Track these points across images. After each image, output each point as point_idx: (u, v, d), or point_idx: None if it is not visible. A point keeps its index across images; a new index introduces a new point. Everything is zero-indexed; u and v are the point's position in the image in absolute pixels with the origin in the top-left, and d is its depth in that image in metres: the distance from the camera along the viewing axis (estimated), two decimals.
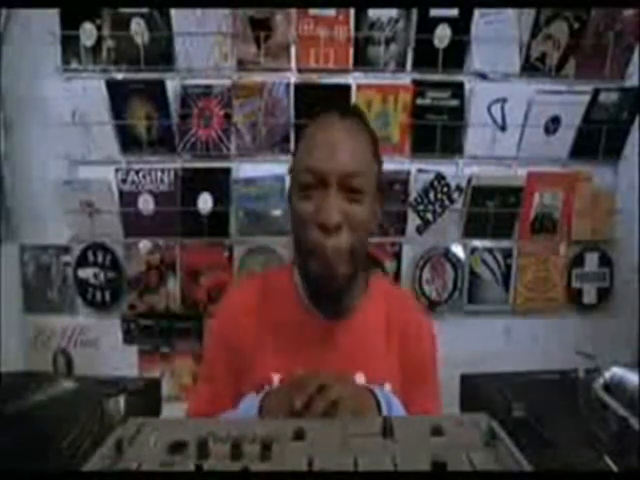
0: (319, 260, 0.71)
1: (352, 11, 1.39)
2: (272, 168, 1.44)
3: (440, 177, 1.46)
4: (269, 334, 0.81)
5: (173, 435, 0.53)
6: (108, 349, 1.52)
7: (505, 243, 1.52)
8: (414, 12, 1.39)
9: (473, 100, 1.43)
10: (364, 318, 0.83)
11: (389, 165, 1.45)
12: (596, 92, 1.43)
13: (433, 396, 0.88)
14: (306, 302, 0.81)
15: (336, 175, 0.69)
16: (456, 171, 1.47)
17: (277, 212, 1.45)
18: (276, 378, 0.78)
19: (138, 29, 1.38)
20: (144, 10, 1.37)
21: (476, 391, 0.79)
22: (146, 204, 1.46)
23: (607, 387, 0.65)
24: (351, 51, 1.40)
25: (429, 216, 1.48)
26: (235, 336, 0.83)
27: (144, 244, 1.47)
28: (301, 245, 0.74)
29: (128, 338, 1.52)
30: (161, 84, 1.40)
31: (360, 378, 0.78)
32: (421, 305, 0.97)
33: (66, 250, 1.49)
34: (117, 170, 1.45)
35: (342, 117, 0.74)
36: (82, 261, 1.49)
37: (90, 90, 1.40)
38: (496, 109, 1.43)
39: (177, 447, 0.51)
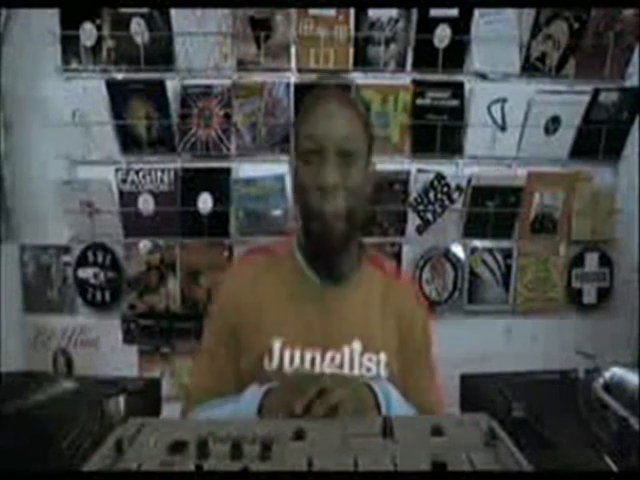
0: (319, 221, 0.77)
1: (352, 11, 1.39)
2: (272, 168, 1.44)
3: (440, 177, 1.46)
4: (268, 304, 0.84)
5: (173, 435, 0.53)
6: (108, 349, 1.52)
7: (505, 243, 1.52)
8: (414, 12, 1.39)
9: (473, 100, 1.43)
10: (361, 287, 0.87)
11: (389, 165, 1.45)
12: (596, 92, 1.43)
13: (430, 377, 0.91)
14: (305, 269, 0.86)
15: (332, 140, 0.76)
16: (456, 171, 1.47)
17: (277, 212, 1.45)
18: (277, 345, 0.80)
19: (138, 29, 1.38)
20: (144, 10, 1.37)
21: (476, 391, 0.79)
22: (146, 204, 1.46)
23: (607, 387, 0.65)
24: (351, 51, 1.40)
25: (429, 216, 1.48)
26: (234, 307, 0.85)
27: (144, 244, 1.47)
28: (303, 211, 0.81)
29: (128, 338, 1.52)
30: (161, 84, 1.40)
31: (357, 345, 0.81)
32: (414, 285, 1.05)
33: (66, 250, 1.49)
34: (117, 170, 1.45)
35: (336, 90, 0.86)
36: (82, 261, 1.49)
37: (90, 90, 1.40)
38: (496, 109, 1.43)
39: (177, 447, 0.51)
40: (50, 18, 1.38)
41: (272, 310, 0.84)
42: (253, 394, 0.73)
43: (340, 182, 0.77)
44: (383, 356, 0.82)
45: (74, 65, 1.41)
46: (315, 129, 0.78)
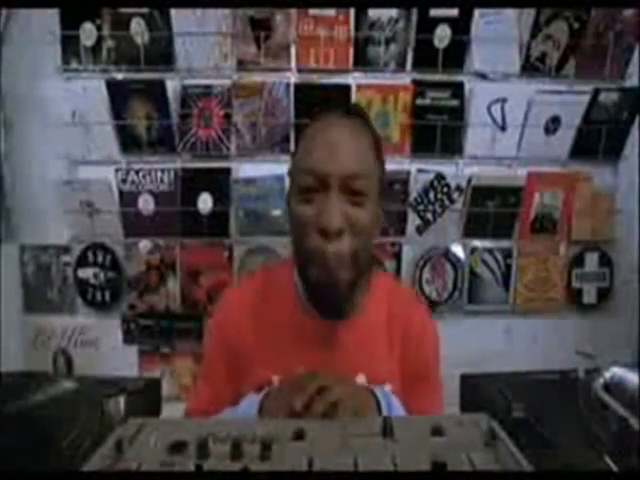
0: (320, 266, 0.68)
1: (352, 11, 1.39)
2: (272, 168, 1.44)
3: (440, 177, 1.46)
4: (268, 334, 0.81)
5: (173, 435, 0.53)
6: (108, 349, 1.52)
7: (505, 243, 1.52)
8: (414, 12, 1.39)
9: (473, 100, 1.43)
10: (365, 318, 0.81)
11: (389, 165, 1.44)
12: (596, 92, 1.43)
13: (435, 396, 0.87)
14: (305, 302, 0.80)
15: (337, 177, 0.67)
16: (456, 171, 1.47)
17: (277, 212, 1.45)
18: (276, 379, 0.78)
19: (138, 29, 1.38)
20: (144, 10, 1.37)
21: (476, 391, 0.79)
22: (146, 204, 1.46)
23: (607, 387, 0.65)
24: (351, 51, 1.40)
25: (429, 216, 1.48)
26: (234, 336, 0.82)
27: (144, 244, 1.47)
28: (301, 250, 0.71)
29: (128, 338, 1.52)
30: (161, 84, 1.40)
31: (361, 379, 0.78)
32: (424, 304, 0.96)
33: (66, 250, 1.49)
34: (117, 170, 1.45)
35: (343, 117, 0.73)
36: (82, 261, 1.49)
37: (90, 90, 1.40)
38: (496, 109, 1.43)
39: (177, 447, 0.51)
40: (50, 18, 1.38)
41: (272, 341, 0.80)
42: (251, 399, 0.72)
43: (346, 224, 0.67)
44: (388, 386, 0.78)
45: (74, 65, 1.41)
46: (317, 163, 0.67)
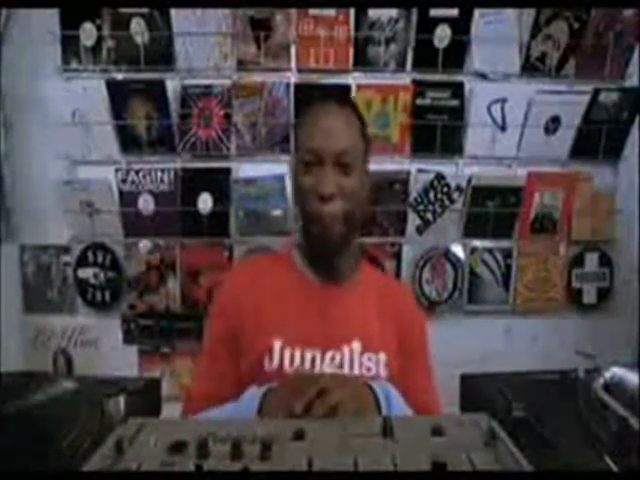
0: (318, 224, 0.82)
1: (352, 11, 1.39)
2: (272, 168, 1.44)
3: (440, 177, 1.46)
4: (268, 302, 0.86)
5: (173, 435, 0.53)
6: (108, 349, 1.52)
7: (505, 243, 1.52)
8: (414, 12, 1.39)
9: (473, 100, 1.43)
10: (359, 286, 0.90)
11: (389, 165, 1.45)
12: (596, 92, 1.43)
13: (427, 378, 0.92)
14: (304, 269, 0.90)
15: (331, 153, 0.82)
16: (456, 171, 1.47)
17: (277, 212, 1.45)
18: (277, 345, 0.81)
19: (138, 29, 1.38)
20: (144, 10, 1.37)
21: (476, 391, 0.79)
22: (146, 204, 1.46)
23: (607, 387, 0.65)
24: (351, 51, 1.40)
25: (429, 216, 1.48)
26: (235, 314, 0.86)
27: (144, 244, 1.47)
28: (303, 213, 0.86)
29: (128, 338, 1.52)
30: (161, 84, 1.40)
31: (356, 344, 0.83)
32: (412, 293, 1.10)
33: (66, 250, 1.49)
34: (117, 170, 1.45)
35: (337, 105, 0.87)
36: (82, 261, 1.49)
37: (90, 90, 1.40)
38: (496, 109, 1.43)
39: (177, 447, 0.51)
40: (50, 18, 1.38)
41: (271, 310, 0.85)
42: (253, 395, 0.73)
43: (338, 190, 0.82)
44: (382, 356, 0.84)
45: (74, 65, 1.41)
46: (314, 143, 0.83)
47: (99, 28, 1.39)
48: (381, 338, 0.86)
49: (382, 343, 0.86)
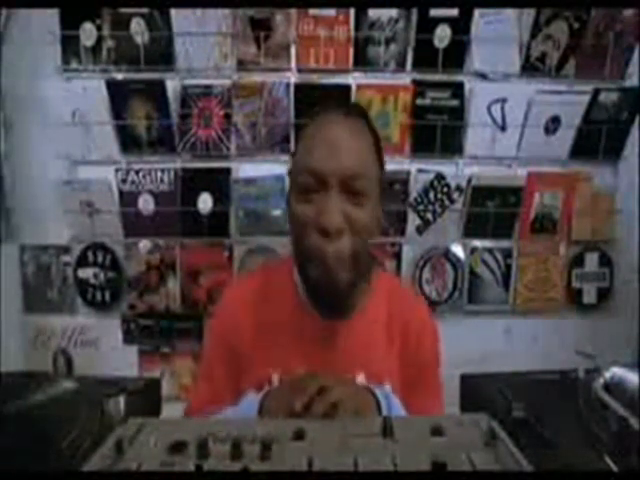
0: (320, 266, 0.68)
1: (352, 11, 1.39)
2: (272, 168, 1.44)
3: (440, 177, 1.46)
4: (268, 332, 0.81)
5: (173, 435, 0.53)
6: (108, 349, 1.52)
7: (505, 243, 1.52)
8: (414, 12, 1.39)
9: (473, 100, 1.43)
10: (365, 317, 0.81)
11: (389, 165, 1.44)
12: (596, 92, 1.43)
13: (435, 397, 0.87)
14: (305, 302, 0.80)
15: (337, 177, 0.66)
16: (456, 171, 1.47)
17: (277, 212, 1.45)
18: (275, 377, 0.78)
19: (138, 29, 1.38)
20: (144, 10, 1.37)
21: (476, 391, 0.79)
22: (146, 204, 1.46)
23: (607, 387, 0.65)
24: (351, 51, 1.40)
25: (429, 216, 1.48)
26: (234, 335, 0.82)
27: (144, 244, 1.47)
28: (301, 250, 0.71)
29: (128, 338, 1.52)
30: (161, 84, 1.40)
31: (360, 378, 0.78)
32: (425, 304, 0.95)
33: (66, 250, 1.49)
34: (117, 170, 1.45)
35: (344, 116, 0.72)
36: (82, 261, 1.49)
37: (90, 90, 1.40)
38: (496, 109, 1.43)
39: (177, 447, 0.51)
40: (50, 18, 1.38)
41: (272, 339, 0.80)
42: (251, 399, 0.72)
43: (346, 226, 0.67)
44: (388, 386, 0.78)
45: (74, 65, 1.41)
46: (317, 163, 0.67)
47: (99, 28, 1.39)
48: (387, 366, 0.81)
49: (388, 372, 0.80)
